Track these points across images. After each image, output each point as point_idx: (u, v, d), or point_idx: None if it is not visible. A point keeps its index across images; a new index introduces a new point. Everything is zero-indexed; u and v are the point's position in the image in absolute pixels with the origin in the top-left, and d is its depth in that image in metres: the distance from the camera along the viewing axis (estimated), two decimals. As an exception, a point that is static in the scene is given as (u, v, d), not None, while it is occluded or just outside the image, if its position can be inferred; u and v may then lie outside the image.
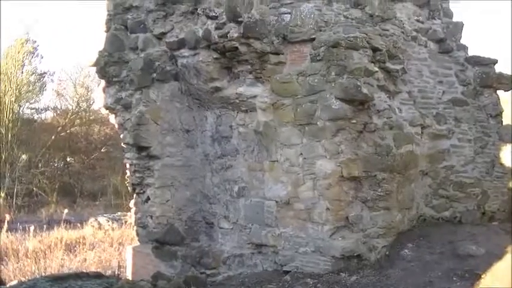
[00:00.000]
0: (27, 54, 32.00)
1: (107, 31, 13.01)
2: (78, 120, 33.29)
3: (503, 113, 12.68)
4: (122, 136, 12.84)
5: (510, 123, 12.23)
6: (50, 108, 35.01)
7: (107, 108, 13.12)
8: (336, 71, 10.44)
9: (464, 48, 12.65)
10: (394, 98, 11.62)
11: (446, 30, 12.48)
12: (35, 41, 33.02)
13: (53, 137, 31.67)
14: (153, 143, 12.34)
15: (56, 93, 34.65)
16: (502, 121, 12.61)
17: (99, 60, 12.82)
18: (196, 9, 11.59)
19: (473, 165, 12.34)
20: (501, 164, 12.50)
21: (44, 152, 31.30)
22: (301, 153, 10.79)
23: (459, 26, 12.68)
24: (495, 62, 12.67)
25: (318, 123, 10.53)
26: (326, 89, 10.48)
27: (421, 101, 12.09)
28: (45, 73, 34.07)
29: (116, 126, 13.21)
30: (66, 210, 21.29)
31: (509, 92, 11.81)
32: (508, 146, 12.58)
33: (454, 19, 12.83)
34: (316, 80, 10.60)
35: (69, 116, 32.80)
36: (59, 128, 32.39)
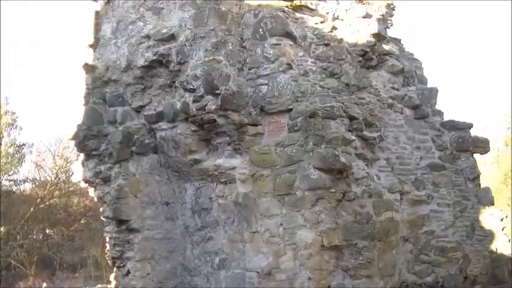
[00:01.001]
0: (6, 126, 31.97)
1: (86, 105, 13.11)
2: (57, 192, 32.97)
3: (480, 175, 12.89)
4: (101, 210, 12.81)
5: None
6: (28, 180, 34.75)
7: (86, 182, 13.10)
8: (313, 140, 10.64)
9: (440, 113, 12.94)
10: (372, 166, 11.79)
11: (422, 96, 12.80)
12: (14, 113, 33.00)
13: (32, 209, 31.32)
14: (133, 216, 12.31)
15: (34, 164, 34.43)
16: (480, 184, 12.80)
17: (77, 133, 12.87)
18: (174, 82, 11.81)
19: (453, 230, 12.44)
20: (481, 227, 12.62)
21: (22, 224, 30.91)
22: (281, 224, 10.83)
23: (434, 92, 13.00)
24: (470, 126, 12.95)
25: (297, 193, 10.65)
26: (304, 159, 10.65)
27: (399, 167, 12.26)
28: (24, 145, 33.88)
29: (95, 199, 13.19)
30: (44, 284, 21.01)
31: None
32: (487, 208, 12.74)
33: (429, 84, 13.18)
34: (294, 150, 10.77)
35: (48, 188, 32.51)
36: (38, 200, 32.04)
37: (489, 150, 13.37)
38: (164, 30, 11.92)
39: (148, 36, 12.17)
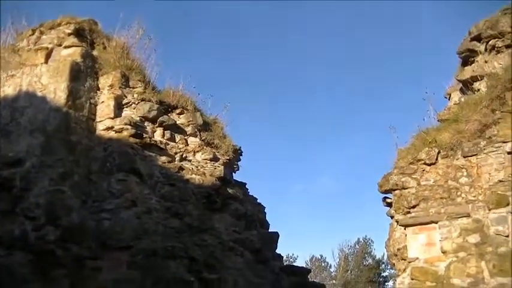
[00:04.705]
0: None
1: None
2: None
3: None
4: None
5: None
6: None
7: None
8: (152, 279, 11.05)
9: (280, 257, 13.91)
10: None
11: (263, 240, 13.68)
12: None
13: None
14: None
15: None
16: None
17: None
18: (16, 208, 11.90)
19: None
20: None
21: None
22: None
23: (275, 237, 13.99)
24: (309, 271, 14.05)
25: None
26: None
27: None
28: None
29: None
30: None
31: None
32: None
33: (271, 226, 14.25)
34: None
35: None
36: None
37: (326, 295, 14.48)
38: (11, 154, 12.19)
39: (-7, 159, 12.41)
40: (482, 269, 10.13)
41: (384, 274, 58.05)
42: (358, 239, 59.69)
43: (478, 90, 12.00)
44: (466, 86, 12.40)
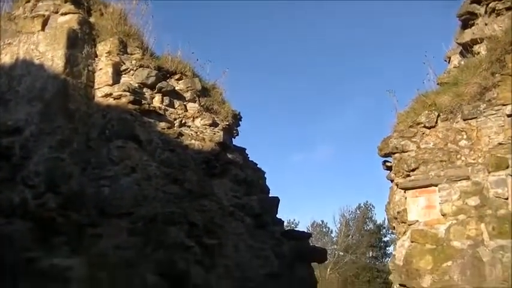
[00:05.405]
0: None
1: None
2: None
3: (317, 284, 13.93)
4: None
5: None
6: None
7: None
8: (152, 245, 11.14)
9: (280, 222, 13.94)
10: (211, 273, 12.30)
11: (263, 205, 13.72)
12: None
13: None
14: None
15: None
16: (317, 292, 13.80)
17: None
18: (15, 176, 11.96)
19: None
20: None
21: None
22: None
23: (275, 202, 14.01)
24: (309, 236, 14.07)
25: (135, 297, 10.91)
26: (142, 263, 11.07)
27: (239, 275, 12.95)
28: None
29: None
30: None
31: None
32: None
33: (272, 193, 14.26)
34: (132, 254, 11.14)
35: None
36: None
37: (326, 260, 14.56)
38: (9, 123, 12.18)
39: (-8, 128, 12.38)
40: (482, 231, 10.19)
41: (385, 239, 58.48)
42: (359, 204, 60.00)
43: (478, 53, 11.94)
44: (466, 49, 12.34)
